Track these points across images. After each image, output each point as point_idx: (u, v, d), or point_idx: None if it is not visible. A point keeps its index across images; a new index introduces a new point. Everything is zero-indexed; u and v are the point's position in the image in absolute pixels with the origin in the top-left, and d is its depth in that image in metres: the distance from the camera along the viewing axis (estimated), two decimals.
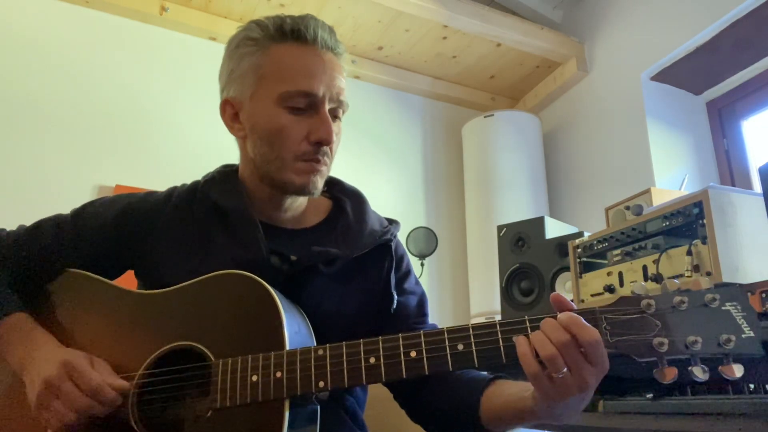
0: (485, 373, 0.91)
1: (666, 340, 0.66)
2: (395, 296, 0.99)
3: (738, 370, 0.65)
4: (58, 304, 0.95)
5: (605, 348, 0.67)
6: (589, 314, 0.70)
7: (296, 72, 0.89)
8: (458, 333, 0.73)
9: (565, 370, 0.65)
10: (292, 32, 0.90)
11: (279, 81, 0.89)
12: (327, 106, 0.91)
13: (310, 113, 0.90)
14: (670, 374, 0.67)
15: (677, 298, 0.68)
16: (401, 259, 1.05)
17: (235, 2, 2.69)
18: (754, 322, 0.66)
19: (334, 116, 0.93)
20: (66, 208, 1.03)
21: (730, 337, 0.65)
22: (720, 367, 0.66)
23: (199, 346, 0.83)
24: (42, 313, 0.93)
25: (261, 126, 0.91)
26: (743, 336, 0.65)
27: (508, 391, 0.84)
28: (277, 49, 0.90)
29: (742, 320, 0.66)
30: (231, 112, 0.96)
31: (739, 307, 0.67)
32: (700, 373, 0.66)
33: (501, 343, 0.71)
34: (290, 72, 0.89)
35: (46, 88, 2.42)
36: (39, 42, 2.45)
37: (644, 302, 0.69)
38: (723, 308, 0.67)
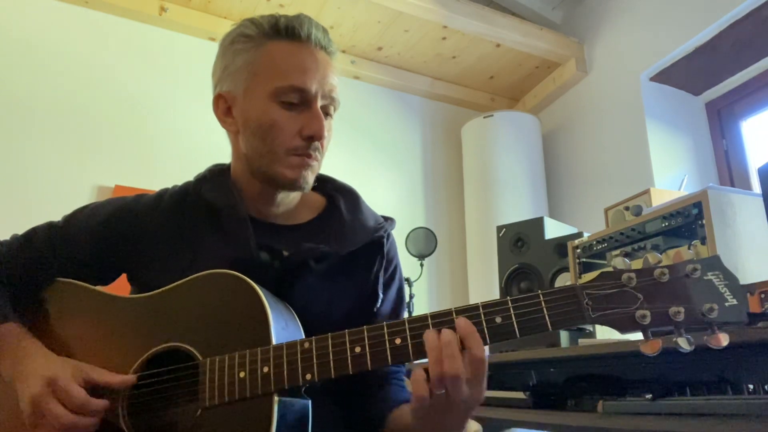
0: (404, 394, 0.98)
1: (648, 312, 0.66)
2: (381, 295, 1.00)
3: (724, 339, 0.64)
4: (48, 313, 0.95)
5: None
6: (570, 291, 0.70)
7: (290, 68, 0.90)
8: (442, 318, 0.74)
9: (443, 391, 0.71)
10: (286, 30, 0.92)
11: (273, 77, 0.90)
12: (319, 103, 0.92)
13: (303, 109, 0.91)
14: (655, 346, 0.67)
15: (658, 271, 0.68)
16: (391, 260, 1.05)
17: (235, 2, 2.69)
18: (737, 290, 0.66)
19: (326, 113, 0.94)
20: (65, 208, 1.03)
21: (713, 306, 0.64)
22: (705, 337, 0.65)
23: (187, 346, 0.83)
24: (33, 323, 0.94)
25: (254, 120, 0.91)
26: (726, 305, 0.65)
27: (404, 410, 0.90)
28: (271, 46, 0.92)
29: (725, 289, 0.66)
30: (224, 107, 0.96)
31: (720, 276, 0.66)
32: (685, 343, 0.66)
33: (485, 325, 0.72)
34: (284, 68, 0.90)
35: (45, 88, 2.42)
36: (38, 42, 2.45)
37: (625, 276, 0.69)
38: (705, 278, 0.67)
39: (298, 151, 0.91)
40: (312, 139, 0.91)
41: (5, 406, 0.90)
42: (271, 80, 0.90)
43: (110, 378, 0.83)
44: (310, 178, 0.94)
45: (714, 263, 0.67)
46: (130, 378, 0.83)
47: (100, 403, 0.81)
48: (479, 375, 0.71)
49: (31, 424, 0.81)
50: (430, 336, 0.71)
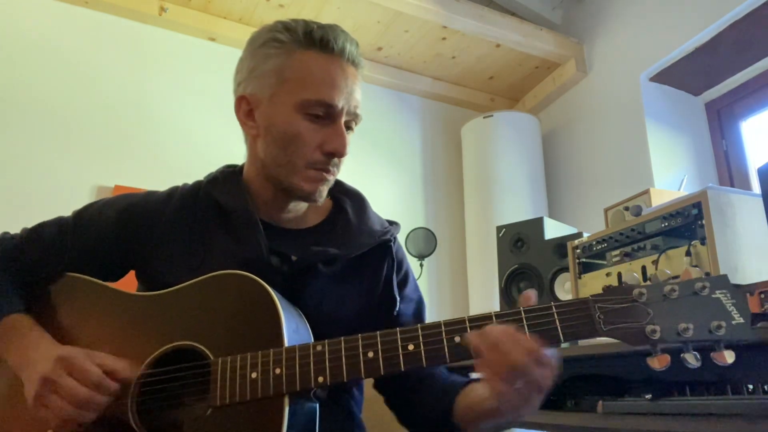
0: (461, 378, 0.95)
1: (658, 328, 0.68)
2: (398, 299, 0.99)
3: (729, 357, 0.66)
4: (59, 308, 0.95)
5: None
6: (582, 304, 0.72)
7: (320, 81, 0.90)
8: (455, 325, 0.74)
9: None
10: (321, 41, 0.91)
11: (301, 87, 0.90)
12: (344, 119, 0.92)
13: (327, 123, 0.91)
14: (663, 361, 0.69)
15: (668, 287, 0.70)
16: (401, 262, 1.05)
17: (235, 2, 2.69)
18: (744, 309, 0.68)
19: (348, 127, 0.95)
20: (65, 208, 1.03)
21: (720, 324, 0.66)
22: (712, 354, 0.67)
23: (199, 345, 0.83)
24: (43, 316, 0.94)
25: (277, 128, 0.91)
26: (733, 322, 0.67)
27: (474, 393, 0.86)
28: (303, 55, 0.91)
29: (732, 307, 0.67)
30: (246, 109, 0.95)
31: (728, 295, 0.68)
32: (692, 359, 0.68)
33: None
34: (314, 80, 0.90)
35: (45, 88, 2.41)
36: (37, 42, 2.45)
37: (636, 291, 0.70)
38: (713, 296, 0.68)
39: (317, 165, 0.92)
40: (333, 155, 0.91)
41: (6, 395, 0.90)
42: (300, 91, 0.90)
43: (121, 364, 0.83)
44: (325, 192, 0.96)
45: (722, 282, 0.69)
46: (139, 368, 0.83)
47: (115, 384, 0.81)
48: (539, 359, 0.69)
49: (38, 403, 0.80)
50: (481, 337, 0.69)
